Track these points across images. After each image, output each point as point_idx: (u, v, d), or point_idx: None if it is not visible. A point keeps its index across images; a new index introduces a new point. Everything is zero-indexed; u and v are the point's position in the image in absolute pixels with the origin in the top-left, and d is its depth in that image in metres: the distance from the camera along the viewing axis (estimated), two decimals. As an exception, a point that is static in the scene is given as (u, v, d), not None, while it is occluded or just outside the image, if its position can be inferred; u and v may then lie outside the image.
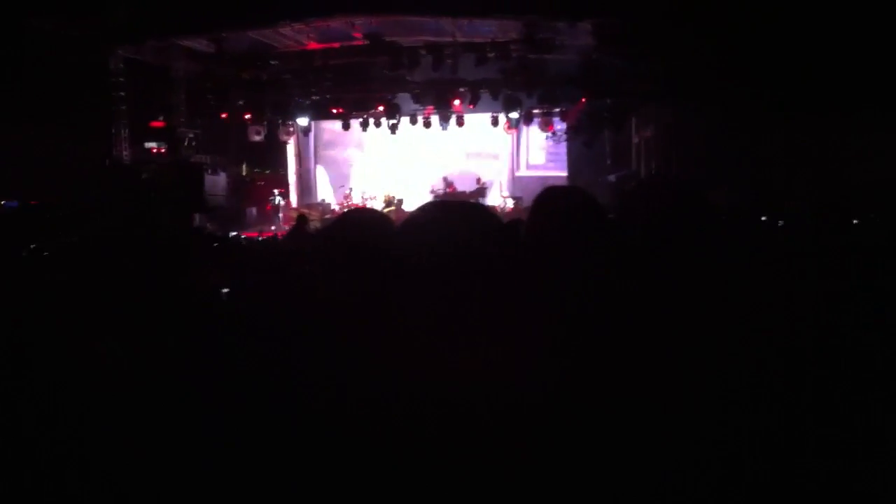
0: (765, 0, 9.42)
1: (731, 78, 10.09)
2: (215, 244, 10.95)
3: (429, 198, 20.60)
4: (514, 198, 20.44)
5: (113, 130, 17.59)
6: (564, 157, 20.88)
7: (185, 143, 18.35)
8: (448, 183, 20.49)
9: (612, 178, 18.62)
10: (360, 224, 2.41)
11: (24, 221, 10.63)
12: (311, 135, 22.26)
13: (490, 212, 2.26)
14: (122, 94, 17.71)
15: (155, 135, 17.99)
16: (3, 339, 2.50)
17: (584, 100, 17.11)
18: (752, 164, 10.30)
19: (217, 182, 18.55)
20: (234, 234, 14.49)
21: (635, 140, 18.15)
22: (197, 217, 15.83)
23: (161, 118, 18.74)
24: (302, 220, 14.45)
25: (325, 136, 23.20)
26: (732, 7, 9.85)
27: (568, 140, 19.67)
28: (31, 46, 14.71)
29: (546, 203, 2.45)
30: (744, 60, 9.85)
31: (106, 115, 17.44)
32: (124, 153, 17.68)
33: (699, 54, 10.35)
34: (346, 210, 10.76)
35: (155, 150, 17.67)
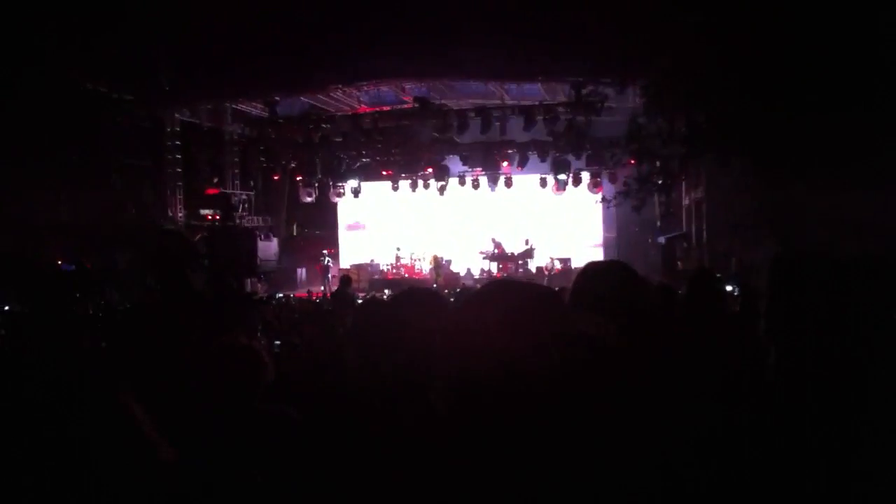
0: (811, 51, 9.40)
1: (777, 132, 10.02)
2: (260, 303, 11.11)
3: (478, 258, 20.63)
4: (561, 259, 20.35)
5: (168, 193, 17.99)
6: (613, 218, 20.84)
7: (238, 208, 18.68)
8: (496, 244, 20.49)
9: (661, 239, 18.47)
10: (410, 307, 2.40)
11: (81, 283, 10.87)
12: (361, 195, 22.50)
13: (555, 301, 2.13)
14: (178, 156, 18.15)
15: (209, 200, 18.36)
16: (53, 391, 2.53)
17: (632, 161, 17.07)
18: (797, 220, 10.15)
19: (269, 247, 18.85)
20: (281, 295, 14.61)
21: (685, 202, 18.03)
22: (249, 281, 16.04)
23: (215, 181, 19.15)
24: (345, 281, 14.53)
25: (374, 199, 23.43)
26: (777, 59, 9.84)
27: (617, 204, 19.61)
28: (87, 108, 15.13)
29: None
30: (790, 113, 9.80)
31: (161, 178, 17.84)
32: (179, 216, 18.05)
33: (743, 110, 10.31)
34: (396, 292, 10.80)
35: (209, 217, 18.02)
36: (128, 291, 10.70)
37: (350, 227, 23.58)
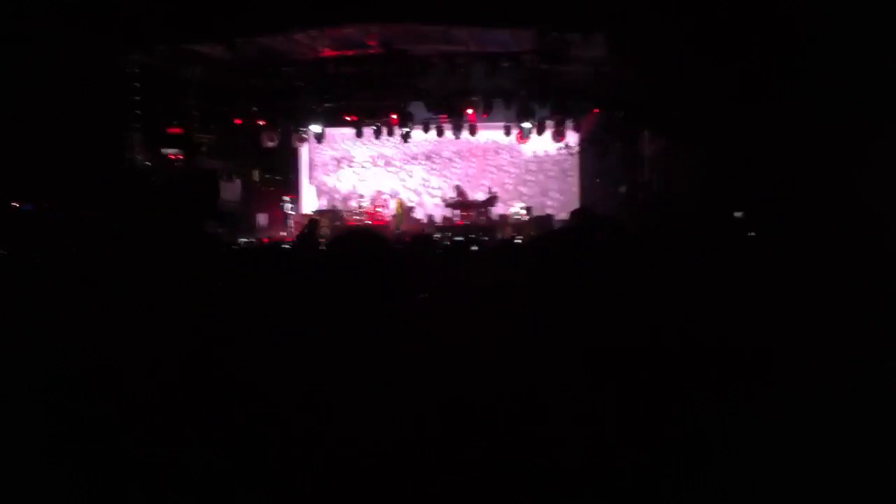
0: (779, 17, 9.43)
1: (738, 93, 10.11)
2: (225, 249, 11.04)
3: (441, 206, 20.72)
4: (525, 207, 20.45)
5: (127, 135, 17.65)
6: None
7: (201, 150, 18.41)
8: (460, 192, 20.52)
9: (622, 189, 18.61)
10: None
11: (39, 224, 10.70)
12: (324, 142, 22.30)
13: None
14: (137, 98, 17.78)
15: (171, 141, 18.02)
16: (13, 338, 2.53)
17: (595, 111, 17.12)
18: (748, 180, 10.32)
19: (231, 188, 18.64)
20: (244, 239, 14.53)
21: (647, 153, 18.15)
22: (209, 224, 15.90)
23: (175, 124, 18.81)
24: (313, 225, 14.51)
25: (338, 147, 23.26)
26: (746, 22, 9.87)
27: (581, 152, 19.70)
28: (43, 50, 14.76)
29: None
30: (753, 77, 9.87)
31: (120, 120, 17.49)
32: (139, 157, 17.74)
33: (706, 69, 10.37)
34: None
35: (172, 157, 17.69)
36: (100, 232, 10.54)
37: (313, 173, 23.46)
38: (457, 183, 21.08)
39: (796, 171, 9.15)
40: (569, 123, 19.41)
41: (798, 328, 2.22)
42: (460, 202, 20.38)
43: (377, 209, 21.27)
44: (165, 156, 17.45)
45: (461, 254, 5.95)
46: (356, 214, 21.18)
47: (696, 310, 2.32)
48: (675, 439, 1.87)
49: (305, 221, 17.33)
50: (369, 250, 2.51)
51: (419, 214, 21.20)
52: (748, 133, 10.52)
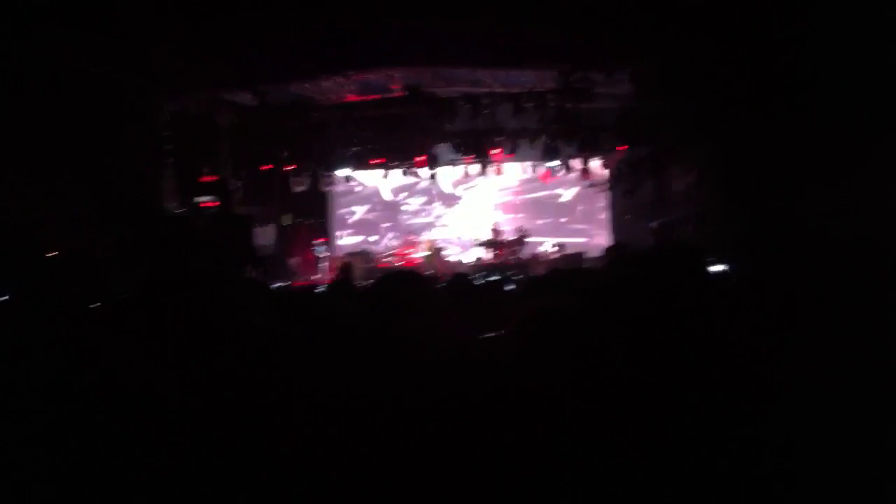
0: (802, 39, 9.45)
1: (767, 119, 10.11)
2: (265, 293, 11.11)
3: (475, 246, 20.76)
4: (557, 245, 20.44)
5: (162, 182, 17.88)
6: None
7: (234, 196, 18.66)
8: (497, 231, 20.58)
9: (653, 224, 18.54)
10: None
11: (72, 272, 10.85)
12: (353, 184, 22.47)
13: None
14: (170, 146, 18.06)
15: (205, 188, 18.25)
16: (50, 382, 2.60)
17: (623, 147, 17.16)
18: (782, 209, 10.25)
19: (266, 233, 18.86)
20: (280, 283, 14.64)
21: (677, 187, 18.10)
22: (247, 268, 16.07)
23: (208, 171, 19.09)
24: (347, 268, 14.69)
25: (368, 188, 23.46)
26: (771, 48, 9.90)
27: (610, 189, 19.71)
28: (78, 92, 15.02)
29: None
30: (781, 100, 9.88)
31: (154, 166, 17.73)
32: (173, 204, 17.97)
33: (734, 95, 10.39)
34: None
35: (204, 204, 17.90)
36: (117, 277, 10.67)
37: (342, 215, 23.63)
38: (494, 223, 21.16)
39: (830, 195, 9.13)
40: (595, 160, 19.46)
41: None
42: (492, 241, 20.40)
43: (408, 250, 21.35)
44: (199, 203, 17.66)
45: (498, 292, 5.95)
46: (387, 256, 21.27)
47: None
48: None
49: (338, 264, 17.45)
50: (409, 291, 2.56)
51: (449, 254, 21.22)
52: (776, 163, 10.52)
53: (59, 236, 14.19)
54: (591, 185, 19.68)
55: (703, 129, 11.76)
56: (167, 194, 17.88)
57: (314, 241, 21.66)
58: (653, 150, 15.46)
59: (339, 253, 22.07)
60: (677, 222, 17.65)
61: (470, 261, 20.53)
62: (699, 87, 11.06)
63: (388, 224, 23.38)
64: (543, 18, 12.79)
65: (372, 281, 3.52)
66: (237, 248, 15.72)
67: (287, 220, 21.92)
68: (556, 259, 19.38)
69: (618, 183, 17.31)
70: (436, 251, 20.76)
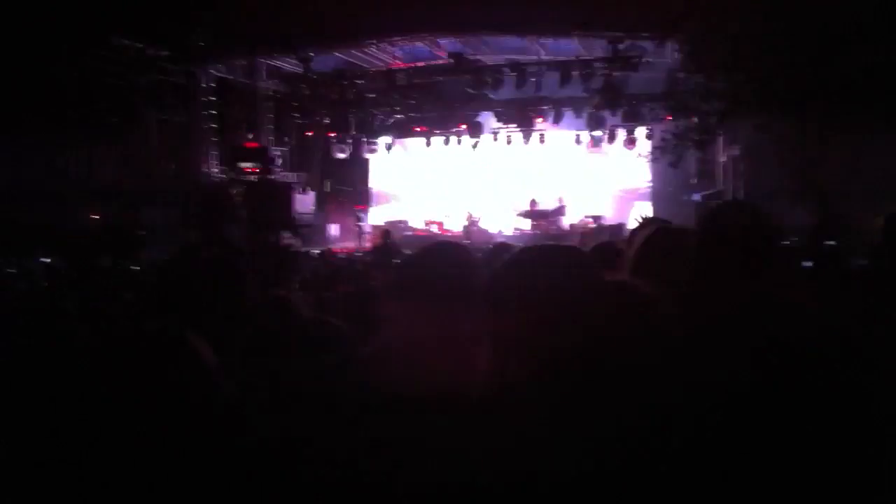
0: (849, 16, 9.18)
1: (814, 93, 9.85)
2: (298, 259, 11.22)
3: (511, 216, 20.61)
4: (593, 217, 20.28)
5: (204, 148, 18.04)
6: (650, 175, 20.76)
7: (275, 163, 18.74)
8: (533, 203, 20.43)
9: (696, 196, 18.27)
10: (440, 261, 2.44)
11: (116, 237, 11.00)
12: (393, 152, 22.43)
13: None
14: (213, 112, 18.18)
15: (247, 154, 18.35)
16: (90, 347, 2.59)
17: (668, 118, 16.86)
18: (831, 181, 10.03)
19: (306, 200, 18.94)
20: (317, 251, 14.70)
21: (722, 159, 17.80)
22: (284, 235, 16.18)
23: (250, 137, 19.19)
24: (386, 234, 14.70)
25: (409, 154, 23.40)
26: (816, 22, 9.64)
27: (653, 160, 19.42)
28: (120, 64, 15.18)
29: None
30: (828, 75, 9.62)
31: (197, 133, 17.90)
32: (214, 171, 18.13)
33: (782, 69, 10.13)
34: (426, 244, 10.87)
35: (247, 170, 18.02)
36: (161, 248, 10.81)
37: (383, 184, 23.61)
38: (533, 195, 21.01)
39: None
40: (641, 131, 19.18)
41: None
42: (531, 212, 20.28)
43: (447, 219, 21.34)
44: (241, 169, 17.76)
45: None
46: (427, 225, 21.26)
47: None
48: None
49: (377, 232, 17.46)
50: (453, 262, 2.48)
51: (487, 225, 21.10)
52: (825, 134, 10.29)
53: (99, 208, 14.41)
54: (638, 156, 19.38)
55: (752, 102, 11.51)
56: (209, 162, 18.04)
57: (355, 208, 21.71)
58: (698, 121, 15.19)
59: (379, 221, 22.09)
60: (719, 196, 17.39)
61: (507, 232, 20.43)
62: (748, 60, 10.82)
63: (428, 193, 23.31)
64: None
65: (410, 252, 3.46)
66: (276, 215, 15.80)
67: (327, 186, 22.00)
68: (593, 230, 19.19)
69: (661, 154, 17.02)
70: (473, 220, 20.70)
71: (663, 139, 16.36)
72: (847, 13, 9.38)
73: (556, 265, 2.20)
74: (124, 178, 15.62)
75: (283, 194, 17.22)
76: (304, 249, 14.93)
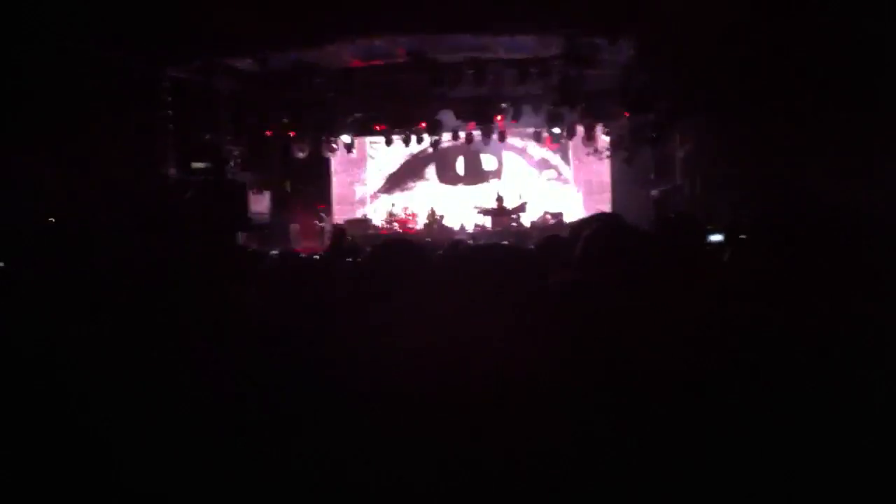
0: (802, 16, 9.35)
1: (766, 93, 10.04)
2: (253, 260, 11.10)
3: (474, 214, 20.70)
4: (553, 214, 20.46)
5: (159, 148, 17.82)
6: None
7: (231, 163, 18.59)
8: (499, 198, 20.56)
9: (654, 192, 18.50)
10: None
11: (67, 236, 10.82)
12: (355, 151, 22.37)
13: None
14: (169, 112, 17.97)
15: (202, 154, 18.19)
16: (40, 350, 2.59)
17: (626, 115, 17.06)
18: (780, 178, 10.21)
19: (261, 201, 18.82)
20: (275, 251, 14.61)
21: (679, 154, 18.03)
22: (240, 235, 16.04)
23: (206, 137, 19.01)
24: (342, 233, 14.65)
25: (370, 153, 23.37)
26: (769, 23, 9.81)
27: (610, 156, 19.61)
28: (78, 62, 14.95)
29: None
30: (781, 75, 9.80)
31: (152, 133, 17.66)
32: (170, 170, 17.93)
33: (736, 68, 10.31)
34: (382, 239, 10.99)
35: (202, 170, 17.83)
36: (114, 250, 10.65)
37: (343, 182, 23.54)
38: (497, 191, 21.14)
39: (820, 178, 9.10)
40: (599, 128, 19.37)
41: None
42: (492, 210, 20.39)
43: (408, 217, 21.36)
44: (196, 169, 17.60)
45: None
46: (388, 223, 21.27)
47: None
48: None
49: (334, 231, 17.43)
50: (406, 261, 2.54)
51: (450, 222, 21.17)
52: (775, 131, 10.46)
53: (54, 207, 14.18)
54: (595, 151, 19.56)
55: (704, 99, 11.68)
56: (165, 162, 17.84)
57: (314, 208, 21.64)
58: (654, 118, 15.37)
59: (339, 220, 22.05)
60: (677, 191, 17.61)
61: (469, 229, 20.52)
62: (702, 57, 10.98)
63: (388, 191, 23.32)
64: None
65: (369, 249, 3.53)
66: (230, 216, 15.68)
67: (287, 186, 21.89)
68: (553, 227, 19.35)
69: (618, 150, 17.21)
70: (436, 218, 20.76)
71: (619, 136, 16.55)
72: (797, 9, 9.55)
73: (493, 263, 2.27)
74: (77, 178, 15.36)
75: (238, 194, 17.10)
76: (264, 249, 14.84)
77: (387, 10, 15.19)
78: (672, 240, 3.95)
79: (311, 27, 16.29)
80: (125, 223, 13.90)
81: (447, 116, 19.76)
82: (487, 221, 20.35)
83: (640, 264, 2.69)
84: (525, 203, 20.49)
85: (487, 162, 22.59)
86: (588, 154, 20.23)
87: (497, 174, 22.55)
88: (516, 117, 19.07)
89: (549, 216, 20.41)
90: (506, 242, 6.77)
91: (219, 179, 17.49)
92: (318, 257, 13.94)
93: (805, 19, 9.35)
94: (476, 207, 20.78)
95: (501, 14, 14.75)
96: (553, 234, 5.51)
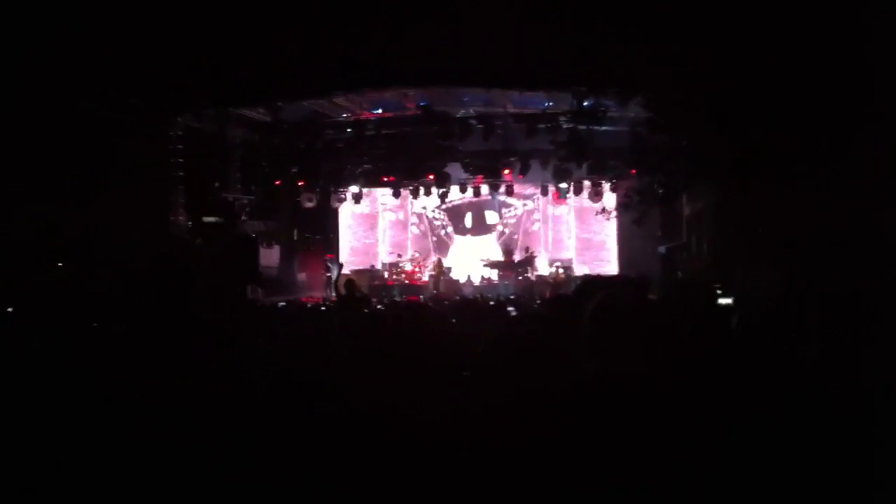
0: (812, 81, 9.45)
1: (777, 158, 10.09)
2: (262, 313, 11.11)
3: (481, 266, 20.71)
4: (563, 267, 20.44)
5: (172, 197, 17.85)
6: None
7: (240, 214, 18.67)
8: (507, 251, 20.61)
9: (662, 249, 18.52)
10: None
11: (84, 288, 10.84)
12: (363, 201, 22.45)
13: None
14: (181, 160, 18.06)
15: (213, 207, 18.26)
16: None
17: (633, 172, 17.14)
18: (793, 245, 10.23)
19: (271, 255, 18.89)
20: (283, 303, 14.60)
21: (686, 212, 18.08)
22: (249, 289, 16.04)
23: (217, 186, 19.11)
24: (351, 285, 14.59)
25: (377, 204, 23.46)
26: (781, 79, 9.89)
27: (618, 217, 19.68)
28: (94, 115, 15.08)
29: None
30: (794, 134, 9.85)
31: (164, 183, 17.69)
32: (181, 219, 17.95)
33: (744, 134, 10.35)
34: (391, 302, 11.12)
35: (213, 224, 17.90)
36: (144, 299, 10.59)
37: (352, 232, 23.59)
38: (507, 242, 21.24)
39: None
40: (606, 184, 19.45)
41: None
42: (499, 262, 20.40)
43: (416, 268, 21.36)
44: (208, 223, 17.66)
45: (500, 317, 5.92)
46: (395, 274, 21.26)
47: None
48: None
49: (341, 282, 17.39)
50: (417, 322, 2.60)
51: (457, 274, 21.12)
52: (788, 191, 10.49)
53: (69, 254, 14.20)
54: (603, 211, 19.62)
55: (714, 162, 11.72)
56: (176, 211, 17.87)
57: (323, 258, 21.67)
58: (662, 178, 15.42)
59: (347, 269, 22.03)
60: (683, 248, 17.63)
61: (476, 282, 20.50)
62: (712, 120, 11.03)
63: (398, 241, 23.35)
64: (558, 42, 12.78)
65: (379, 305, 3.55)
66: (241, 268, 15.68)
67: (295, 235, 21.96)
68: (563, 281, 19.31)
69: (626, 211, 17.27)
70: (443, 270, 20.72)
71: (627, 195, 16.62)
72: (809, 77, 9.64)
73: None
74: (90, 234, 15.35)
75: (249, 248, 17.15)
76: (271, 301, 14.84)
77: (398, 63, 15.40)
78: (682, 306, 3.94)
79: (324, 80, 16.50)
80: (138, 273, 13.87)
81: (455, 169, 19.87)
82: (494, 274, 20.34)
83: (648, 338, 2.69)
84: (534, 256, 20.52)
85: (491, 216, 22.64)
86: (597, 214, 20.28)
87: (502, 225, 22.60)
88: (524, 171, 19.16)
89: (559, 269, 20.35)
90: (511, 309, 6.77)
91: (230, 234, 17.53)
92: (324, 308, 13.99)
93: (814, 88, 9.45)
94: (483, 260, 20.78)
95: (512, 70, 14.92)
96: (560, 294, 5.54)
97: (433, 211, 22.81)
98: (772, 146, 10.00)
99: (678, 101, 11.72)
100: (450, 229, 22.84)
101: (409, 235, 23.27)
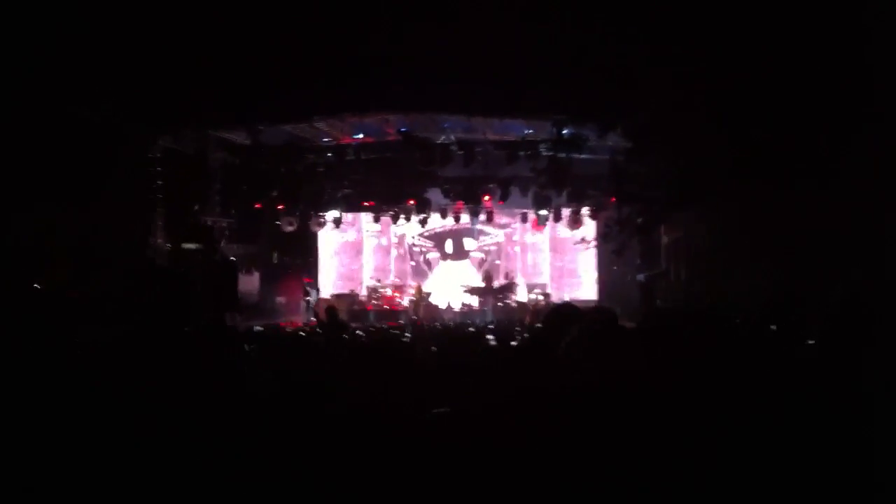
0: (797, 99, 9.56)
1: (756, 182, 10.20)
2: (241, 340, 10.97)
3: (460, 292, 20.67)
4: (543, 294, 20.48)
5: (151, 220, 17.72)
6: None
7: (220, 238, 18.58)
8: (488, 277, 20.61)
9: (640, 277, 18.60)
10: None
11: (60, 312, 10.68)
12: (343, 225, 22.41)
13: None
14: (160, 183, 17.95)
15: (192, 235, 18.12)
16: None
17: (613, 199, 17.25)
18: (774, 269, 10.33)
19: (251, 281, 18.79)
20: (260, 328, 14.52)
21: (665, 240, 18.19)
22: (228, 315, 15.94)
23: (196, 209, 19.00)
24: (332, 311, 14.52)
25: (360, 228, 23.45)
26: (761, 108, 9.99)
27: (597, 246, 19.80)
28: (72, 133, 14.98)
29: None
30: (769, 163, 9.96)
31: (143, 205, 17.56)
32: (160, 242, 17.81)
33: (725, 159, 10.46)
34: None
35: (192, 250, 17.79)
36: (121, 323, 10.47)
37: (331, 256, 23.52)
38: (487, 269, 21.26)
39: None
40: (585, 212, 19.55)
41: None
42: (480, 289, 20.39)
43: (395, 293, 21.30)
44: (187, 251, 17.55)
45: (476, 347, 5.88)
46: (374, 299, 21.19)
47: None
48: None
49: (323, 306, 17.29)
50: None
51: (436, 299, 21.07)
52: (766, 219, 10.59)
53: (48, 275, 14.04)
54: (582, 241, 19.74)
55: (693, 191, 11.82)
56: (155, 234, 17.75)
57: (302, 282, 21.58)
58: (641, 206, 15.52)
59: (327, 294, 21.95)
60: (662, 276, 17.71)
61: (456, 307, 20.46)
62: (691, 149, 11.14)
63: (377, 266, 23.30)
64: (539, 72, 12.88)
65: (362, 335, 3.58)
66: (221, 295, 15.60)
67: (274, 258, 21.88)
68: (542, 308, 19.28)
69: (605, 240, 17.39)
70: (423, 296, 20.67)
71: (607, 226, 16.71)
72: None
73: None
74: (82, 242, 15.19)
75: (228, 274, 17.06)
76: (248, 325, 14.71)
77: (379, 88, 15.46)
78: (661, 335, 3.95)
79: (304, 103, 16.52)
80: (115, 297, 13.73)
81: (436, 195, 19.91)
82: (474, 300, 20.31)
83: (623, 371, 2.69)
84: (514, 282, 20.55)
85: (469, 242, 22.66)
86: (576, 244, 20.40)
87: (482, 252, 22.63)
88: (504, 198, 19.23)
89: (539, 296, 20.37)
90: (491, 338, 6.73)
91: (209, 260, 17.41)
92: (303, 334, 13.88)
93: (802, 117, 9.57)
94: (463, 286, 20.75)
95: (492, 98, 15.01)
96: (540, 326, 5.53)
97: (413, 237, 22.82)
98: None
99: (656, 131, 11.82)
100: (430, 255, 22.82)
101: (392, 260, 23.23)
